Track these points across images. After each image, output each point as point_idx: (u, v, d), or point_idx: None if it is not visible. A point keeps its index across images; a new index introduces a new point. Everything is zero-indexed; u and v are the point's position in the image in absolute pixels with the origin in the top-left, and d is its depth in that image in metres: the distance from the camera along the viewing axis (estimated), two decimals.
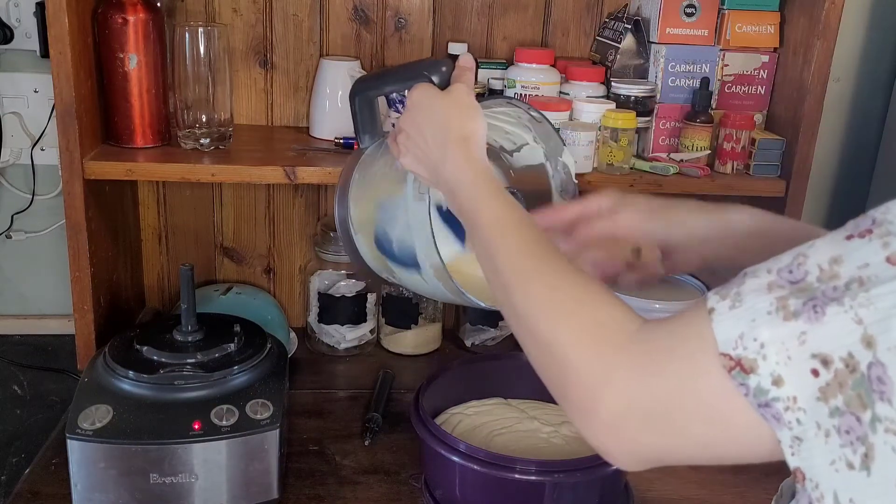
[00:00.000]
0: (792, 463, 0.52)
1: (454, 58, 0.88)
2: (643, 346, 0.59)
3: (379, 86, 0.98)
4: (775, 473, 0.60)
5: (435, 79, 0.85)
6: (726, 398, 0.53)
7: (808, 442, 0.51)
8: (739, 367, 0.52)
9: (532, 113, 0.95)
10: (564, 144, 1.00)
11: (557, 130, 1.00)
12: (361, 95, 0.98)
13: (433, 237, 0.85)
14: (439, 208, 0.92)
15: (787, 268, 0.53)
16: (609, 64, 1.30)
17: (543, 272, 0.68)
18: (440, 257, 0.85)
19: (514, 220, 0.74)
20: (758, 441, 0.53)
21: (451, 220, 0.90)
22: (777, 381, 0.51)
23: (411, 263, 0.90)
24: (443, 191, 0.82)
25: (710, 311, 0.54)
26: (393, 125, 1.27)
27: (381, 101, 1.09)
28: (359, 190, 0.97)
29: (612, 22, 1.34)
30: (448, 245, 0.92)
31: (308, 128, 1.35)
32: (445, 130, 0.80)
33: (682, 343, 0.56)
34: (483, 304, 0.88)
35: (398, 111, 1.27)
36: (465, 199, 0.77)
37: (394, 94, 1.29)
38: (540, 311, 0.66)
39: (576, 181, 1.00)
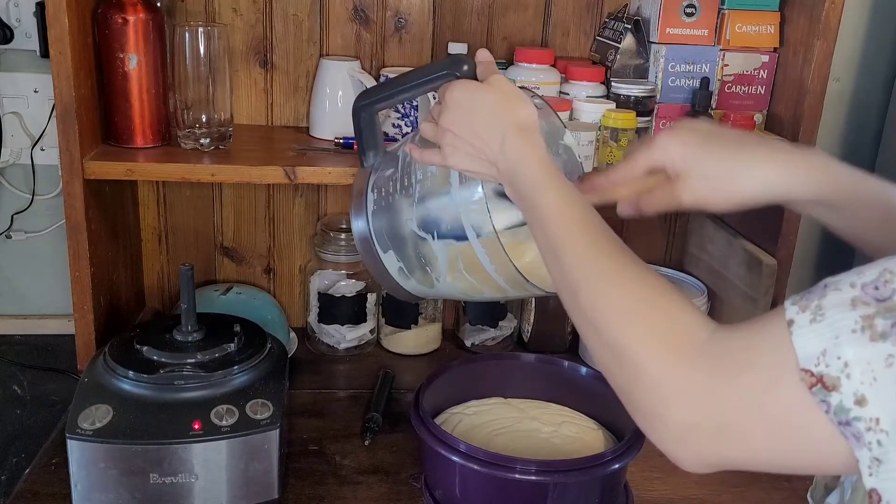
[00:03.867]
0: (868, 483, 0.52)
1: (455, 55, 0.86)
2: (717, 355, 0.58)
3: (389, 96, 0.94)
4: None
5: (459, 76, 0.83)
6: (804, 412, 0.52)
7: (889, 465, 0.50)
8: (821, 384, 0.51)
9: (534, 101, 0.95)
10: (566, 127, 0.99)
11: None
12: (368, 110, 0.95)
13: (495, 231, 0.84)
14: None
15: (872, 284, 0.52)
16: (609, 64, 1.30)
17: (615, 273, 0.67)
18: (506, 252, 0.83)
19: (582, 214, 0.72)
20: (833, 456, 0.53)
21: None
22: (860, 401, 0.50)
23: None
24: (503, 182, 0.80)
25: (790, 324, 0.54)
26: (394, 125, 1.27)
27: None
28: (381, 208, 0.94)
29: (612, 22, 1.34)
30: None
31: (308, 128, 1.35)
32: (500, 121, 0.78)
33: (759, 354, 0.56)
34: (546, 291, 0.87)
35: (398, 111, 1.27)
36: (529, 188, 0.75)
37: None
38: (610, 313, 0.65)
39: (580, 160, 0.99)
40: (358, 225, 0.96)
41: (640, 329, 0.62)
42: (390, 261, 0.95)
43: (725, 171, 0.77)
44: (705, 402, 0.57)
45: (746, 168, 0.76)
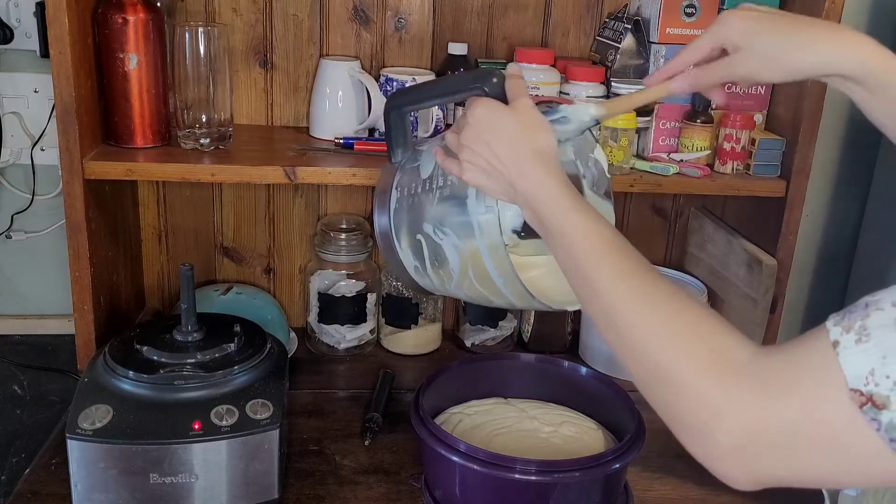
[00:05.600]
0: None
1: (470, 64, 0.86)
2: (761, 375, 0.59)
3: (419, 100, 0.96)
4: None
5: (488, 90, 0.84)
6: (854, 431, 0.54)
7: None
8: (871, 403, 0.53)
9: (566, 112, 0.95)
10: (597, 141, 0.99)
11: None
12: (397, 111, 0.96)
13: (504, 247, 0.85)
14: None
15: None
16: (609, 64, 1.30)
17: (650, 294, 0.68)
18: (513, 268, 0.85)
19: (608, 236, 0.73)
20: (883, 471, 0.55)
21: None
22: None
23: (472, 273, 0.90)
24: (520, 204, 0.81)
25: (835, 345, 0.55)
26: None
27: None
28: (403, 207, 0.96)
29: (612, 22, 1.34)
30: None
31: (308, 128, 1.35)
32: (520, 146, 0.80)
33: (806, 374, 0.57)
34: (551, 308, 0.88)
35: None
36: (549, 214, 0.77)
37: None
38: (650, 335, 0.66)
39: (609, 176, 0.99)
40: (380, 220, 0.97)
41: (682, 349, 0.63)
42: (407, 258, 0.97)
43: (780, 46, 0.80)
44: (754, 419, 0.58)
45: (799, 45, 0.79)
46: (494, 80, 0.84)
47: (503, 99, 0.84)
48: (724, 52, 0.84)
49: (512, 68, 0.86)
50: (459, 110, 1.24)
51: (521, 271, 0.86)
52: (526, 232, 0.89)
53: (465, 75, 0.89)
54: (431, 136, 1.24)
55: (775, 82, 0.81)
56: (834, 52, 0.79)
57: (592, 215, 0.75)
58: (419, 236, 0.93)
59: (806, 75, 0.81)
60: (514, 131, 0.81)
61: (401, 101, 0.97)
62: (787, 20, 0.82)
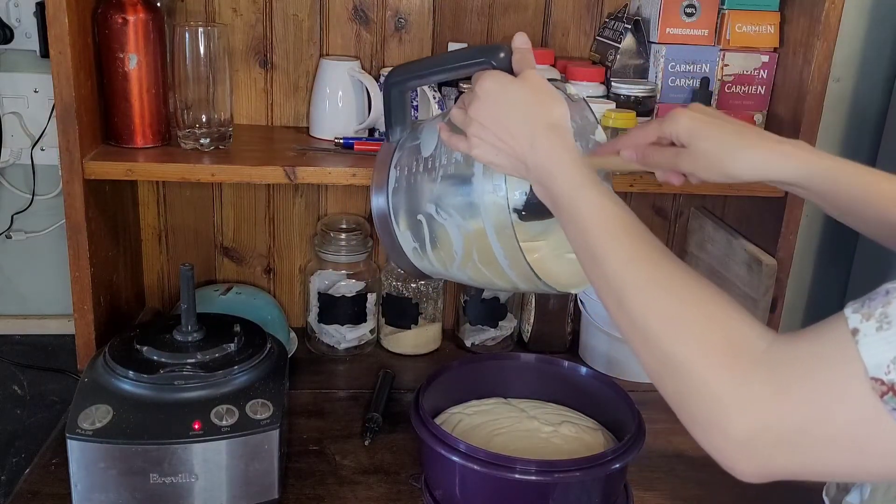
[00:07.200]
0: None
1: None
2: (777, 366, 0.57)
3: (423, 75, 0.93)
4: None
5: (495, 64, 0.81)
6: (875, 421, 0.52)
7: None
8: (893, 393, 0.51)
9: (569, 92, 0.93)
10: (598, 123, 0.98)
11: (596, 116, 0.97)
12: (399, 87, 0.93)
13: (512, 227, 0.83)
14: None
15: None
16: (609, 64, 1.30)
17: (664, 280, 0.66)
18: (521, 248, 0.83)
19: (624, 218, 0.71)
20: None
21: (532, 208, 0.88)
22: None
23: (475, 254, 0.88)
24: (531, 180, 0.79)
25: (854, 332, 0.53)
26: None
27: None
28: (402, 187, 0.93)
29: (612, 22, 1.34)
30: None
31: (308, 128, 1.35)
32: (532, 118, 0.78)
33: (823, 364, 0.55)
34: (556, 290, 0.87)
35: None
36: (562, 190, 0.75)
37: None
38: (661, 322, 0.63)
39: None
40: (377, 200, 0.95)
41: (695, 339, 0.61)
42: (406, 240, 0.94)
43: (719, 149, 0.83)
44: (768, 412, 0.56)
45: (735, 150, 0.82)
46: (501, 54, 0.82)
47: (510, 73, 0.81)
48: (673, 143, 0.87)
49: (518, 40, 0.83)
50: None
51: (526, 251, 0.84)
52: (526, 212, 0.88)
53: (471, 49, 0.86)
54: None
55: (715, 182, 0.86)
56: (768, 161, 0.82)
57: (607, 194, 0.73)
58: (420, 217, 0.91)
59: (742, 180, 0.84)
60: (526, 104, 0.78)
61: (402, 77, 0.94)
62: (731, 128, 0.84)
